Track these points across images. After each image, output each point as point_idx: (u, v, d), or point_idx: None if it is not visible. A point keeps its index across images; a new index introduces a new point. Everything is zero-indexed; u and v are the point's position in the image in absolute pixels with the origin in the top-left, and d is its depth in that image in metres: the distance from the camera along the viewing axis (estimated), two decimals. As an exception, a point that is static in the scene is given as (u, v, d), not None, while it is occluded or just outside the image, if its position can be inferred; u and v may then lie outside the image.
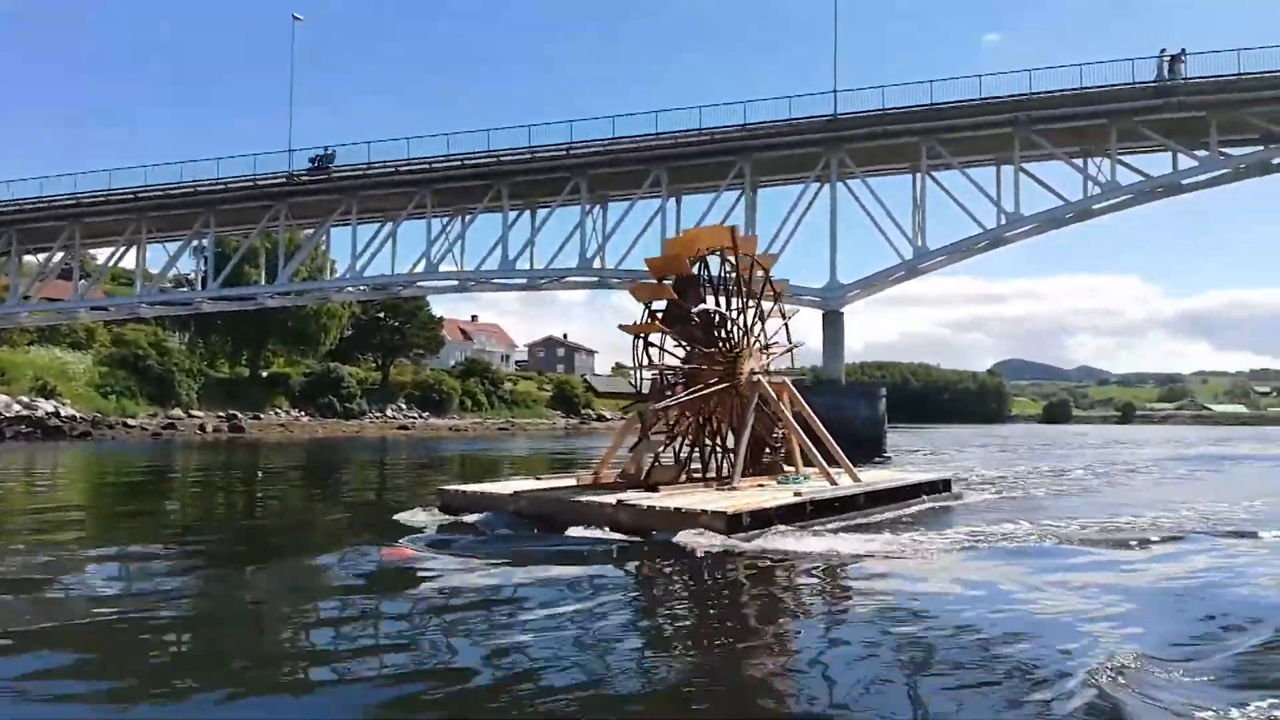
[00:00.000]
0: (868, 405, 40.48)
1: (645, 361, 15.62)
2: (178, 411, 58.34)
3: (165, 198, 48.45)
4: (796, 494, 13.21)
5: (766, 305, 15.99)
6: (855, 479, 15.28)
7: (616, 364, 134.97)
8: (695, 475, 15.26)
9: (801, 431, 15.88)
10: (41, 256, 54.69)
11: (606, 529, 11.80)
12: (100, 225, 51.17)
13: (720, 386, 14.84)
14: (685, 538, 11.06)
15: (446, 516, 13.66)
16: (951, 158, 40.87)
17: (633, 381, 16.41)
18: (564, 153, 43.68)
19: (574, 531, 11.81)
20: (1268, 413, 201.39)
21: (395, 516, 14.23)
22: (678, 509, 11.70)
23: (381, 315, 78.52)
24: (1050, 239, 40.69)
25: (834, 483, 14.69)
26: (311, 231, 51.54)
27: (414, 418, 75.29)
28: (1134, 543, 12.05)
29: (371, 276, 49.07)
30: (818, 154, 42.12)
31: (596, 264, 45.76)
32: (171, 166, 48.00)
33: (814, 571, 10.25)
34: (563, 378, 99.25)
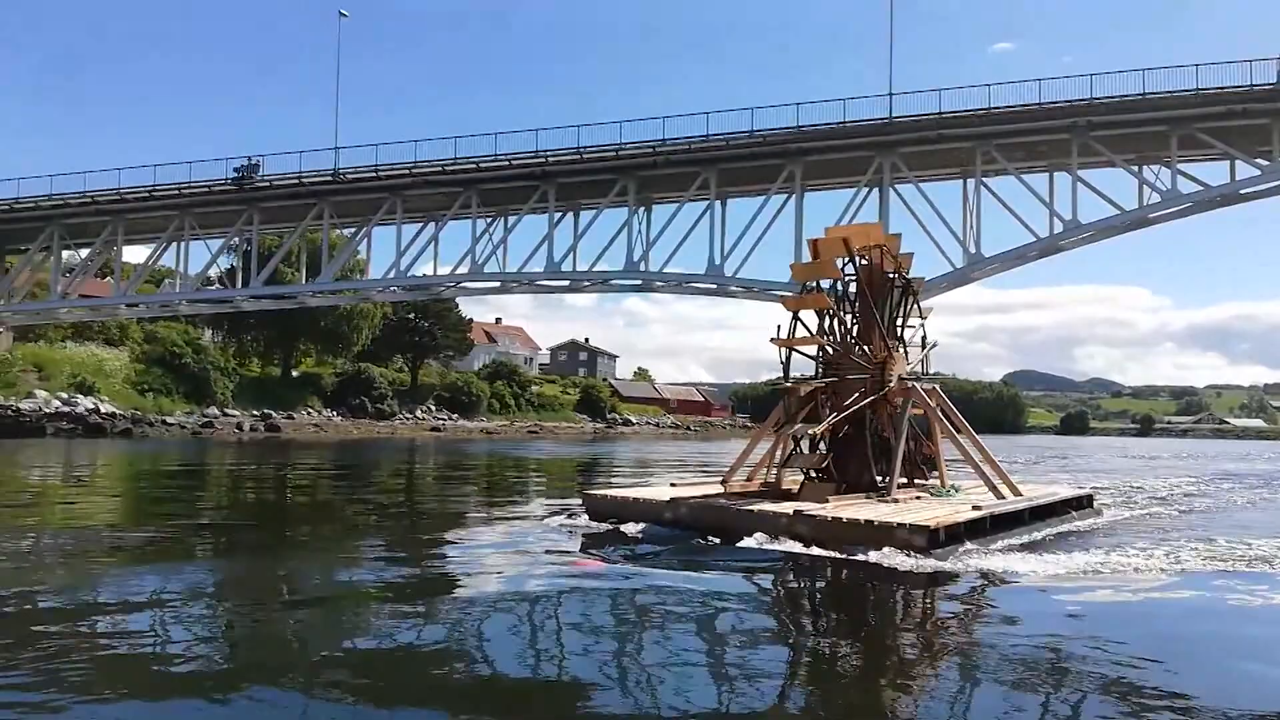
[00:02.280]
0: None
1: (795, 374, 14.81)
2: (213, 410, 58.21)
3: (210, 194, 48.33)
4: (976, 508, 12.53)
5: (907, 307, 15.35)
6: (1017, 492, 14.47)
7: (639, 368, 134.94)
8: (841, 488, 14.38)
9: (964, 441, 15.05)
10: (83, 253, 54.58)
11: (783, 541, 11.19)
12: (143, 221, 51.08)
13: (872, 395, 14.09)
14: (885, 555, 10.39)
15: (593, 523, 13.21)
16: (1007, 163, 40.41)
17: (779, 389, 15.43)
18: (613, 154, 43.39)
19: (747, 543, 11.25)
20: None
21: (545, 521, 14.00)
22: (869, 521, 11.03)
23: (412, 316, 78.33)
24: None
25: (1001, 496, 13.98)
26: (353, 231, 51.33)
27: (443, 419, 75.04)
28: None
29: (415, 276, 48.88)
30: (869, 158, 41.70)
31: (642, 267, 45.47)
32: (216, 163, 47.84)
33: (1040, 596, 9.37)
34: (589, 381, 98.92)
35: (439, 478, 29.05)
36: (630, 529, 12.52)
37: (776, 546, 11.05)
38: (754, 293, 45.16)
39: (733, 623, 8.16)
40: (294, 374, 71.98)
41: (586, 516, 13.60)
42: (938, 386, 15.26)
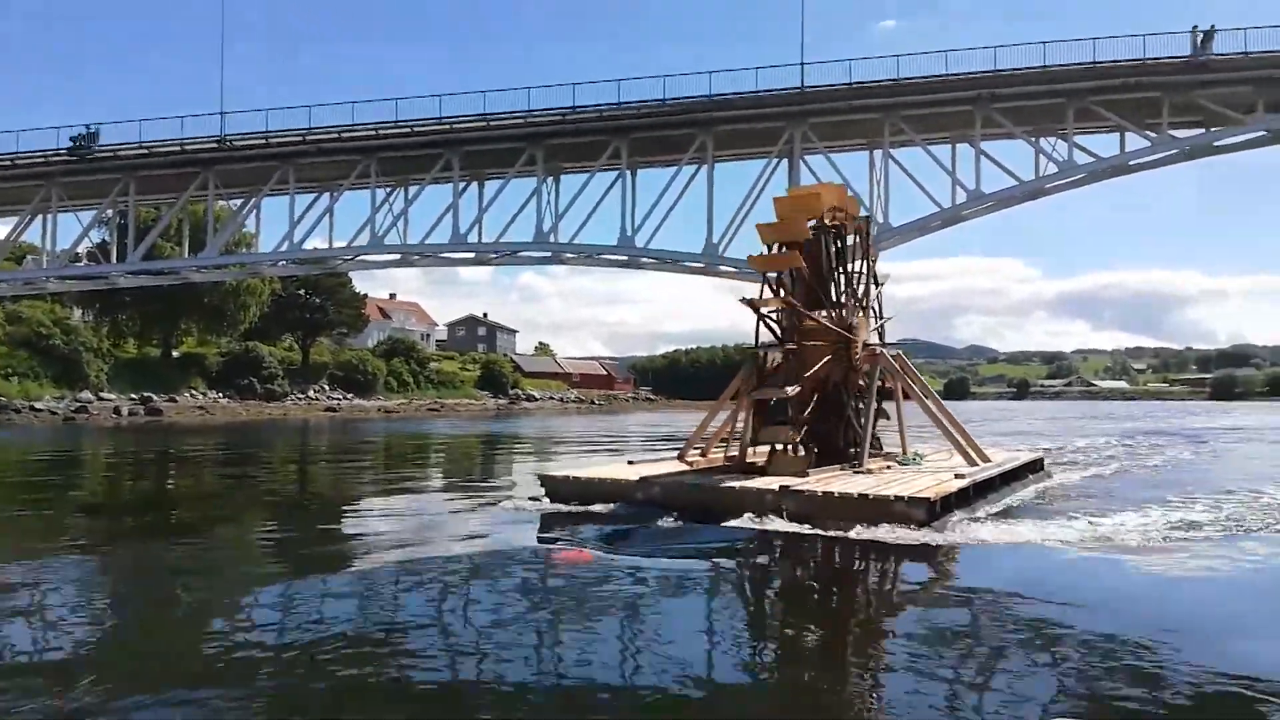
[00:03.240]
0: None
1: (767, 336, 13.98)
2: (87, 394, 54.15)
3: (79, 162, 44.49)
4: (958, 475, 12.04)
5: (869, 272, 14.74)
6: (985, 459, 14.08)
7: (540, 343, 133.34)
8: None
9: (931, 407, 14.65)
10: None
11: (770, 519, 10.46)
12: (4, 192, 46.68)
13: (840, 362, 13.41)
14: (883, 530, 9.77)
15: (552, 505, 12.29)
16: (914, 134, 40.89)
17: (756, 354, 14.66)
18: (521, 120, 41.90)
19: (733, 523, 10.44)
20: (1147, 388, 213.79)
21: (498, 505, 13.03)
22: (864, 495, 10.37)
23: (302, 292, 74.82)
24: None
25: (974, 462, 13.63)
26: (240, 202, 48.21)
27: (338, 399, 72.13)
28: None
29: (309, 250, 46.33)
30: (780, 128, 41.54)
31: (552, 239, 44.27)
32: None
33: (1051, 570, 8.84)
34: (490, 357, 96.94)
35: (356, 461, 27.38)
36: (597, 511, 11.64)
37: (761, 525, 10.35)
38: (666, 264, 44.64)
39: (746, 615, 7.51)
40: (175, 354, 67.78)
41: (546, 499, 12.62)
42: (900, 353, 14.75)
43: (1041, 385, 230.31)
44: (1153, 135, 39.47)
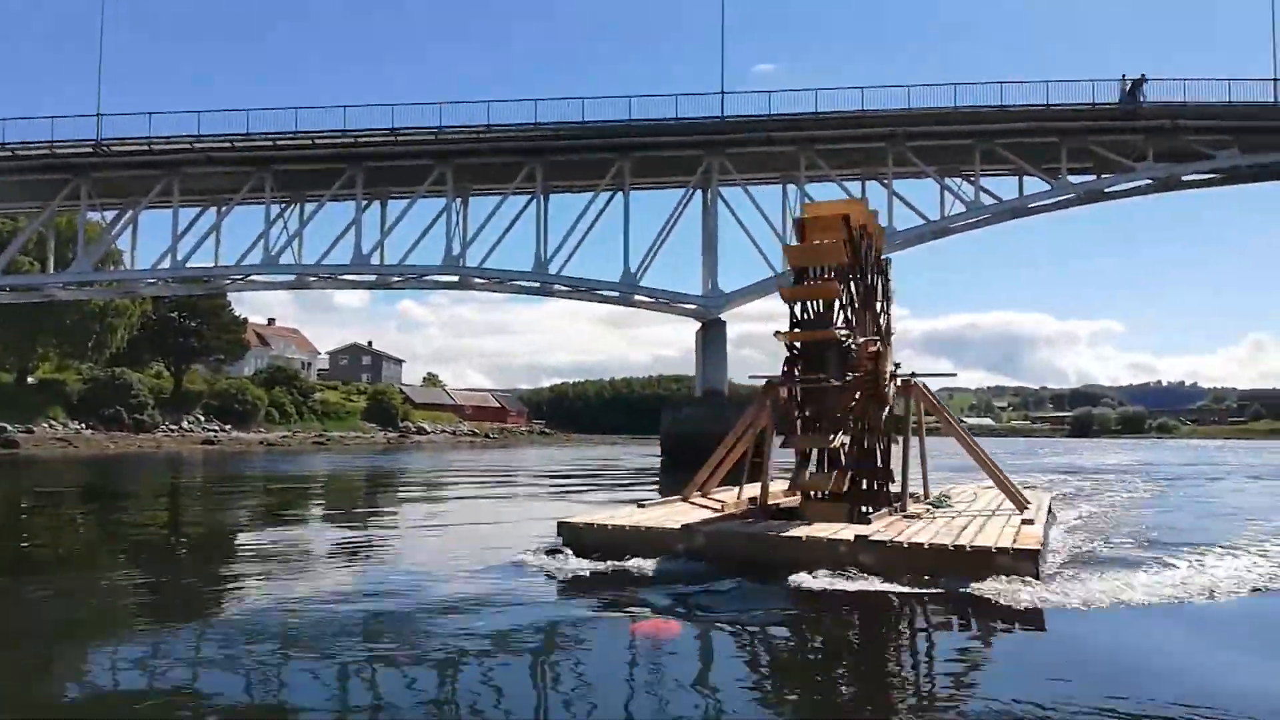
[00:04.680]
0: (752, 414, 39.88)
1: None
2: (-75, 423, 48.47)
3: (-74, 164, 40.06)
4: (1027, 521, 10.41)
5: (889, 296, 13.21)
6: (1027, 501, 12.36)
7: (429, 374, 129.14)
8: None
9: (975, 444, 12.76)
10: None
11: (847, 573, 8.63)
12: None
13: (870, 394, 11.57)
14: (990, 586, 8.07)
15: (573, 561, 9.75)
16: (829, 169, 41.31)
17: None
18: (432, 137, 40.19)
19: (801, 579, 8.51)
20: (1013, 425, 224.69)
21: (515, 559, 10.08)
22: (960, 546, 8.75)
23: (176, 315, 69.84)
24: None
25: (1022, 505, 11.85)
26: (116, 214, 44.39)
27: (214, 430, 67.33)
28: None
29: (194, 267, 43.02)
30: (698, 157, 41.31)
31: (462, 263, 42.52)
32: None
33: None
34: (378, 387, 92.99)
35: (284, 499, 24.60)
36: (637, 566, 9.39)
37: (832, 584, 8.45)
38: (581, 292, 43.55)
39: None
40: (30, 380, 61.86)
41: (565, 552, 10.06)
42: (924, 383, 12.88)
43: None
44: (1051, 180, 41.07)
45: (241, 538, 14.84)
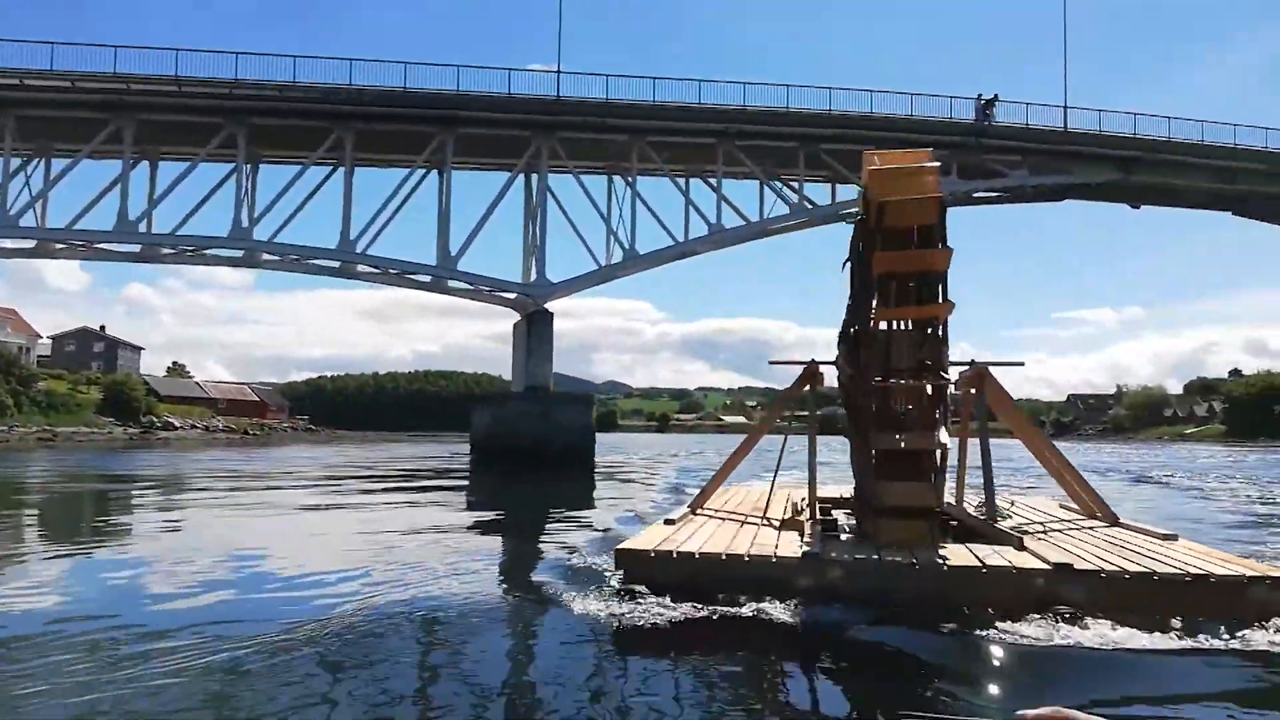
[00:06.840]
0: (580, 413, 38.04)
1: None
2: None
3: None
4: (1170, 536, 8.48)
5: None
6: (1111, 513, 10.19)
7: (174, 363, 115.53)
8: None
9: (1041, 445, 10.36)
10: None
11: (1054, 615, 6.42)
12: None
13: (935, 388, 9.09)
14: (1261, 638, 6.02)
15: (648, 597, 6.83)
16: (661, 163, 40.19)
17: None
18: (225, 91, 34.77)
19: (1006, 629, 6.19)
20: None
21: (577, 609, 6.87)
22: (1204, 575, 6.68)
23: None
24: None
25: (1115, 519, 9.74)
26: None
27: (-94, 425, 55.71)
28: None
29: (-102, 225, 34.72)
30: (528, 139, 38.76)
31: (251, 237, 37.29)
32: None
33: None
34: (117, 377, 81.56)
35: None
36: (758, 611, 6.63)
37: (1056, 633, 6.15)
38: (389, 274, 39.65)
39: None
40: None
41: (623, 582, 7.27)
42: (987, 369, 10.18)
43: (679, 419, 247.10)
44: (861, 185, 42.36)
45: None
